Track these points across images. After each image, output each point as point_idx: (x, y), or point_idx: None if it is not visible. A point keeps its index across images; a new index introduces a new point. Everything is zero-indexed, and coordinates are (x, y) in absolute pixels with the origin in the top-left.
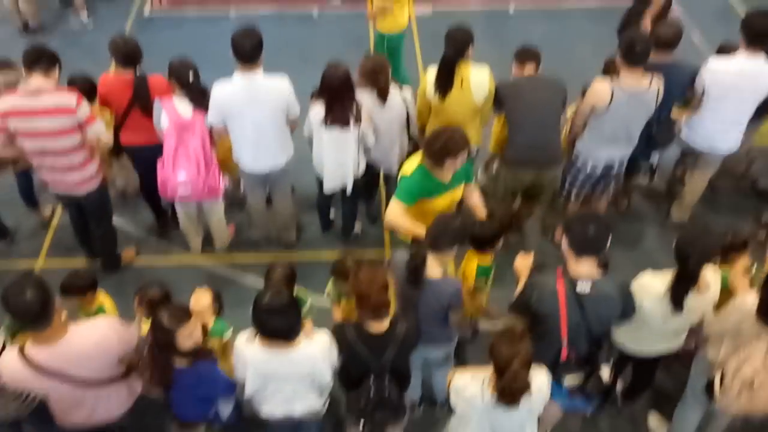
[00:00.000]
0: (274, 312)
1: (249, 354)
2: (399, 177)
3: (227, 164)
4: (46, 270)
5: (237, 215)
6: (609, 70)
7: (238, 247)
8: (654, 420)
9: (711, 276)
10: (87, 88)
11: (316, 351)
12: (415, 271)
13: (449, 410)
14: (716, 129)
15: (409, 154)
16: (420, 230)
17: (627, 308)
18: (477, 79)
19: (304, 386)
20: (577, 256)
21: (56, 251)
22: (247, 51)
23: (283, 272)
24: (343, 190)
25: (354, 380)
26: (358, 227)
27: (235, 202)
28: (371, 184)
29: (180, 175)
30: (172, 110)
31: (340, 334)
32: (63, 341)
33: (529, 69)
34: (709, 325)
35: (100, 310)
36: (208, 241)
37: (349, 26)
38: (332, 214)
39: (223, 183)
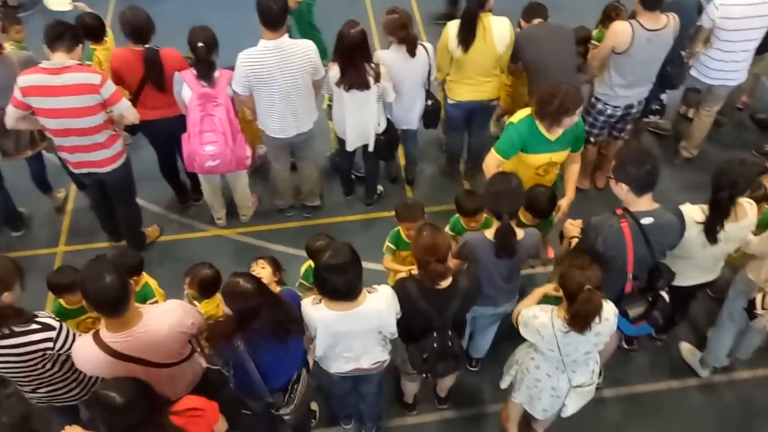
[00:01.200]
0: (334, 270)
1: (318, 316)
2: (506, 123)
3: (250, 131)
4: (69, 254)
5: (259, 184)
6: (608, 17)
7: (263, 216)
8: (686, 349)
9: (746, 203)
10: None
11: (381, 303)
12: (507, 244)
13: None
14: (727, 62)
15: (427, 109)
16: None
17: (683, 230)
18: (498, 29)
19: (372, 340)
20: (638, 195)
21: (75, 237)
22: (275, 14)
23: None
24: (365, 149)
25: (415, 334)
26: (379, 188)
27: (259, 168)
28: (393, 142)
29: (208, 148)
30: (194, 81)
31: (402, 289)
32: (140, 326)
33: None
34: (750, 247)
35: (147, 289)
36: (230, 213)
37: None
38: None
39: (250, 152)
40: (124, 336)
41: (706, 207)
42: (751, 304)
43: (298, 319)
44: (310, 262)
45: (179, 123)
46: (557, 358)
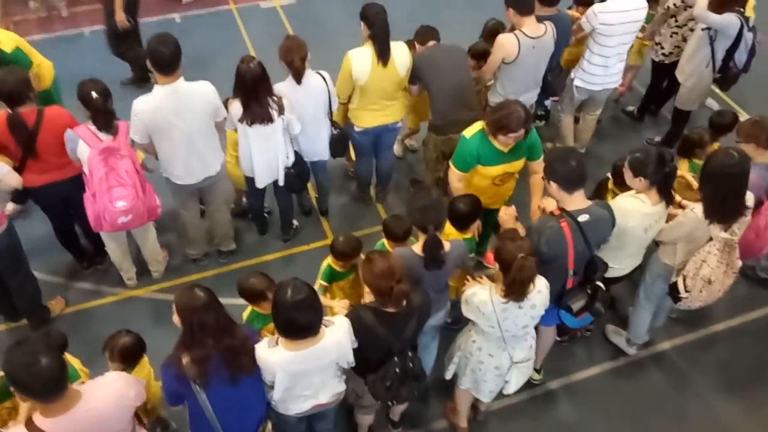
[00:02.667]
0: (301, 306)
1: (276, 359)
2: (459, 137)
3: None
4: None
5: (166, 235)
6: (491, 35)
7: (176, 269)
8: (611, 331)
9: None
10: None
11: (339, 334)
12: (435, 256)
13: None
14: (608, 66)
15: (334, 139)
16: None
17: (614, 223)
18: (399, 54)
19: (330, 373)
20: (569, 192)
21: None
22: (167, 59)
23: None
24: (276, 185)
25: (373, 365)
26: (294, 222)
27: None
28: (303, 175)
29: (119, 204)
30: (91, 137)
31: (358, 320)
32: (80, 405)
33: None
34: (664, 234)
35: (71, 371)
36: (141, 271)
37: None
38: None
39: (159, 201)
40: (66, 419)
41: (642, 195)
42: (674, 288)
43: (251, 350)
44: (251, 308)
45: (74, 185)
46: (497, 335)
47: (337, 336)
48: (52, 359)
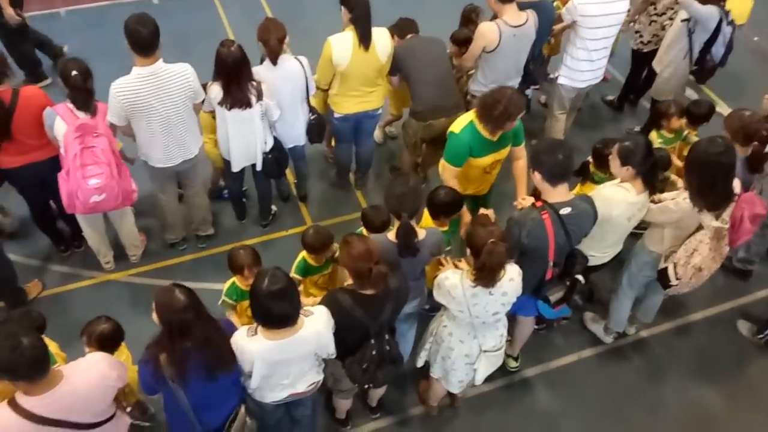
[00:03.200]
0: (277, 296)
1: (255, 348)
2: (447, 133)
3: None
4: None
5: (144, 220)
6: (468, 20)
7: (154, 253)
8: (589, 318)
9: None
10: None
11: (319, 325)
12: (408, 242)
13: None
14: (593, 61)
15: (311, 124)
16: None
17: (596, 217)
18: (380, 39)
19: (308, 363)
20: (552, 185)
21: None
22: (146, 39)
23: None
24: (254, 170)
25: (351, 347)
26: (273, 207)
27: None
28: (281, 161)
29: (93, 182)
30: (69, 114)
31: (335, 303)
32: (62, 385)
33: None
34: (649, 215)
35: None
36: (118, 255)
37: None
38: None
39: (135, 185)
40: (48, 397)
41: (626, 184)
42: (663, 275)
43: (230, 350)
44: (234, 279)
45: (50, 166)
46: (467, 320)
47: (316, 327)
48: (34, 339)
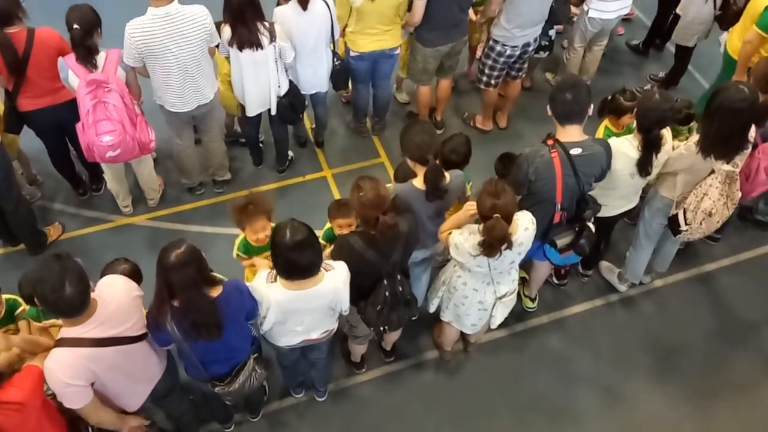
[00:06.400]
0: (296, 248)
1: (272, 295)
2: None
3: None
4: None
5: (162, 164)
6: None
7: (172, 198)
8: (605, 267)
9: (665, 131)
10: None
11: (339, 281)
12: (437, 185)
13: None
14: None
15: (336, 70)
16: None
17: (609, 162)
18: None
19: (323, 314)
20: (561, 125)
21: None
22: None
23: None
24: (270, 115)
25: (365, 290)
26: (290, 153)
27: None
28: (296, 105)
29: (106, 139)
30: (80, 67)
31: (347, 246)
32: (100, 308)
33: None
34: (667, 167)
35: None
36: (137, 198)
37: None
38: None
39: (153, 134)
40: (93, 322)
41: (631, 137)
42: (673, 221)
43: (219, 322)
44: (243, 235)
45: (69, 110)
46: (485, 272)
47: (335, 283)
48: (78, 286)
